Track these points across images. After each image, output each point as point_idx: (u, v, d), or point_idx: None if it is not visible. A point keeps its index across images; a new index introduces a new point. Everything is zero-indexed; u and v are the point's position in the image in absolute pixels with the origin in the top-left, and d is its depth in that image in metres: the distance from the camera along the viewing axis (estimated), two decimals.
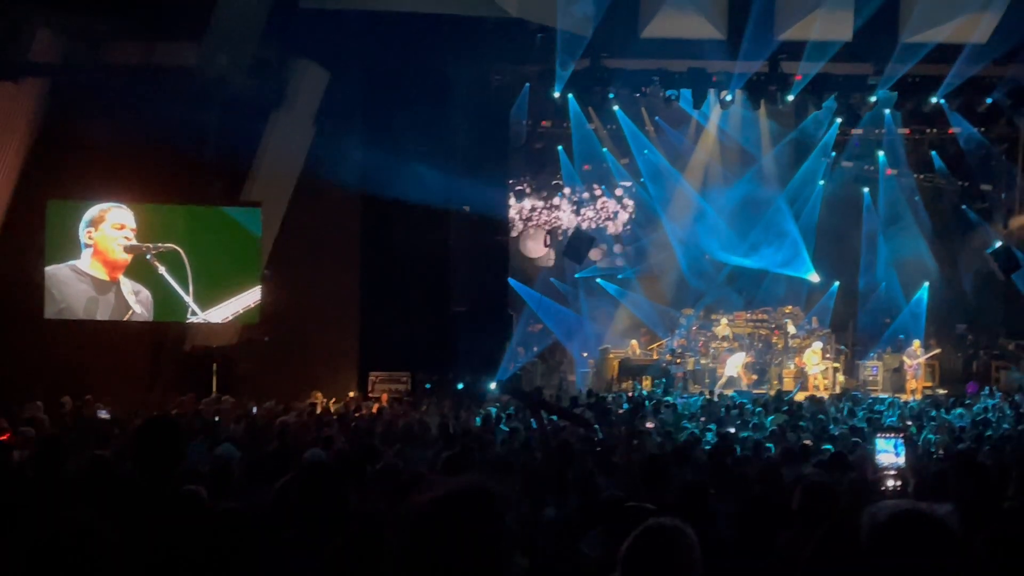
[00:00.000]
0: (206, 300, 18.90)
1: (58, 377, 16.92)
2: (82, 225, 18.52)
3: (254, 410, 15.56)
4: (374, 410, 17.35)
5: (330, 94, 20.07)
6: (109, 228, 18.60)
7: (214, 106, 18.38)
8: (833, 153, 26.06)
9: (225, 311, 19.00)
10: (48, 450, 6.83)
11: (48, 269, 18.52)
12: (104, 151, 18.31)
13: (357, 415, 14.95)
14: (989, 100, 21.59)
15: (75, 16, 17.62)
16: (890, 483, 7.49)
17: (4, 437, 10.58)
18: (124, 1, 16.02)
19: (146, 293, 18.72)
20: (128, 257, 18.65)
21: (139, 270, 18.68)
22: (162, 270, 18.44)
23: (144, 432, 4.54)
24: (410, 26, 18.77)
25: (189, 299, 18.61)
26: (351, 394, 19.59)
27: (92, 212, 18.61)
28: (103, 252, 18.65)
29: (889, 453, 7.89)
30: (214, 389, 18.74)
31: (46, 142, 18.71)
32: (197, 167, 18.99)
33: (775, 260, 25.81)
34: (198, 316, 18.89)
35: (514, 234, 25.81)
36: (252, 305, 19.14)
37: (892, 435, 8.00)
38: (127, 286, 18.68)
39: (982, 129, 23.59)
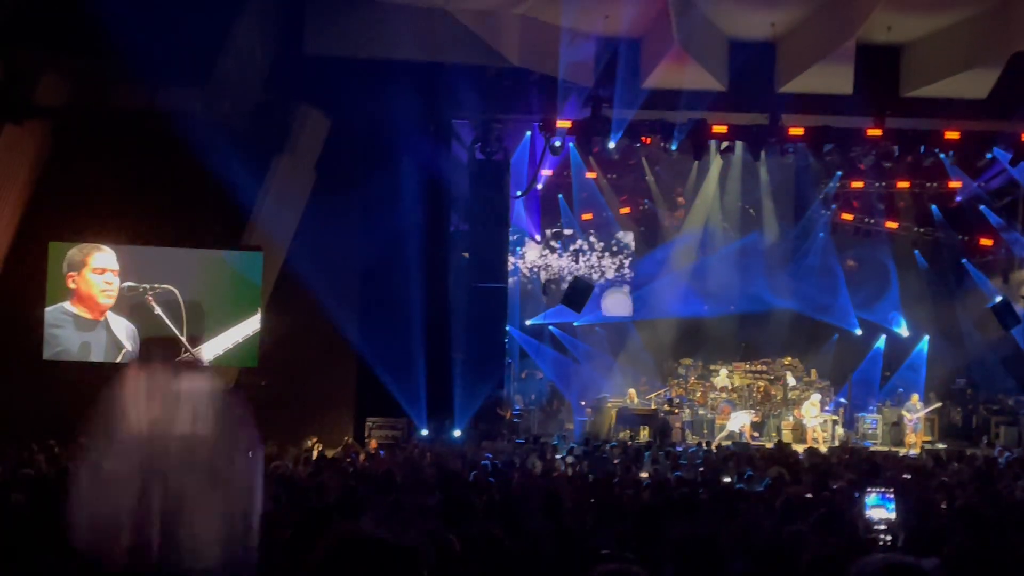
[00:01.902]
0: (200, 342, 18.88)
1: (57, 419, 16.78)
2: (64, 268, 18.53)
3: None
4: (371, 451, 17.29)
5: (331, 140, 20.17)
6: (89, 273, 18.60)
7: (216, 150, 18.47)
8: (834, 205, 26.21)
9: (216, 347, 18.95)
10: (42, 493, 6.76)
11: (47, 310, 18.53)
12: (106, 194, 18.42)
13: (349, 460, 14.85)
14: (989, 155, 21.64)
15: (79, 60, 17.76)
16: (881, 538, 7.40)
17: None
18: (128, 45, 16.11)
19: (132, 328, 18.69)
20: (112, 300, 18.63)
21: (127, 306, 18.66)
22: (158, 310, 18.43)
23: None
24: (412, 74, 18.92)
25: (183, 339, 18.58)
26: (347, 439, 19.49)
27: (72, 255, 18.58)
28: (85, 297, 18.63)
29: (880, 508, 7.82)
30: None
31: (49, 184, 18.82)
32: (199, 211, 19.02)
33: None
34: (188, 356, 18.82)
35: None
36: (242, 340, 19.07)
37: (883, 490, 7.92)
38: (117, 323, 18.66)
39: (982, 183, 23.65)
